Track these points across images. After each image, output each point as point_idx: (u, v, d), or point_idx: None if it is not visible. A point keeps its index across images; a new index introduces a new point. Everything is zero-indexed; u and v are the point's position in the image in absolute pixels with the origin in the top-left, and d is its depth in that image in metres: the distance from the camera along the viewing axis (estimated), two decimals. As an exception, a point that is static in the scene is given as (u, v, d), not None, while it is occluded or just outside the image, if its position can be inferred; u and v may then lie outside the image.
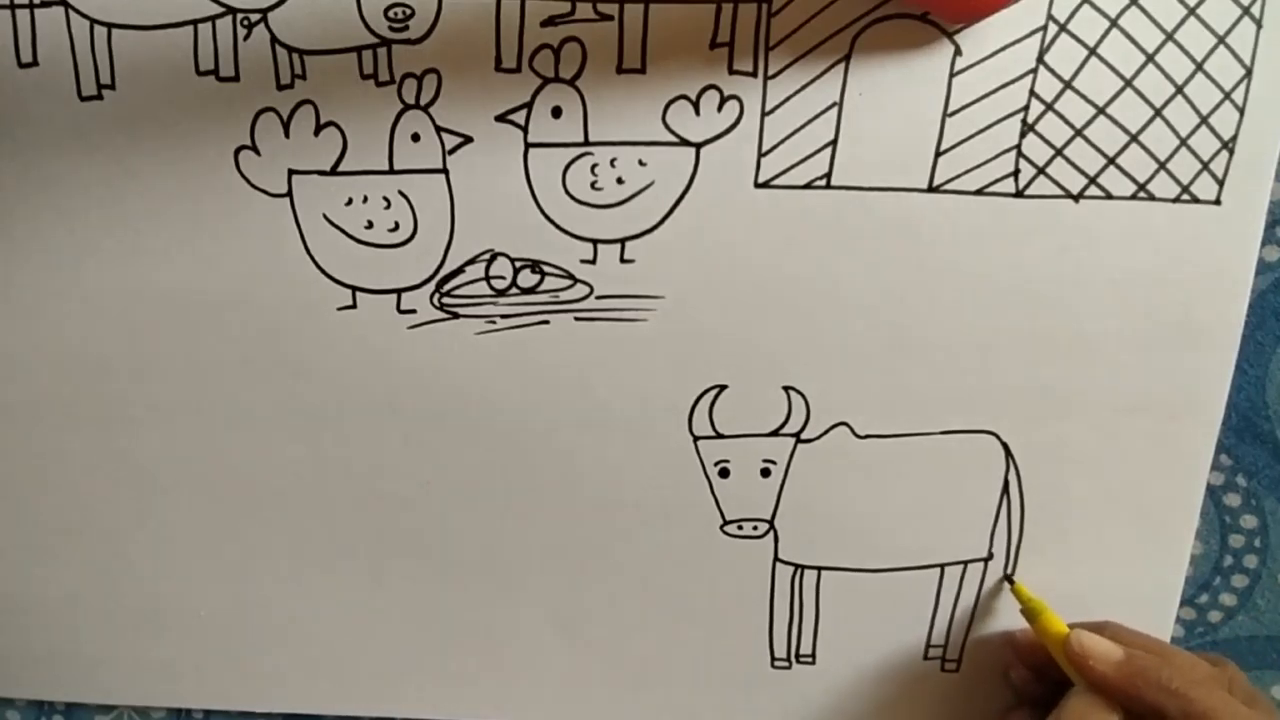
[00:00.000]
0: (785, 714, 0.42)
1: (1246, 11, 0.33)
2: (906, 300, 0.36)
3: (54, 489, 0.41)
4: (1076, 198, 0.35)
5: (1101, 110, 0.34)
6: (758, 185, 0.35)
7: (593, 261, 0.36)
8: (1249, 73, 0.33)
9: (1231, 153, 0.34)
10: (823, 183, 0.35)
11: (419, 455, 0.39)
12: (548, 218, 0.36)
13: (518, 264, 0.37)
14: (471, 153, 0.35)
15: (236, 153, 0.36)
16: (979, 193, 0.35)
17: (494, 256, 0.37)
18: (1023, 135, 0.34)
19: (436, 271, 0.37)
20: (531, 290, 0.37)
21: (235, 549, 0.41)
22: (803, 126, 0.34)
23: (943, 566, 0.39)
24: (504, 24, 0.34)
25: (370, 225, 0.36)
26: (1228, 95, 0.33)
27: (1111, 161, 0.34)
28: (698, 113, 0.34)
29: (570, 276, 0.37)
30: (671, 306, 0.37)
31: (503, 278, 0.37)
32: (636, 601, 0.41)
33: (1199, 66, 0.33)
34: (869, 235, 0.36)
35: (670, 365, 0.37)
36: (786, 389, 0.38)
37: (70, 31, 0.35)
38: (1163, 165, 0.34)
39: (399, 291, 0.37)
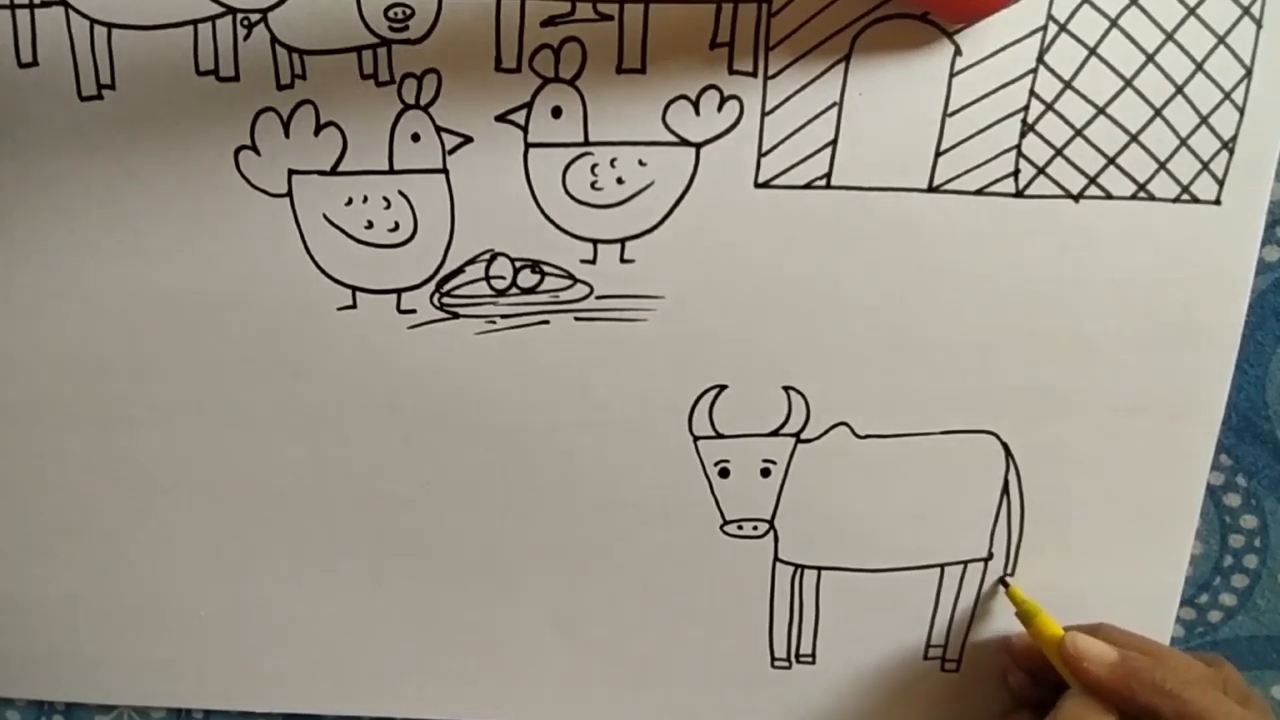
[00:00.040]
0: (785, 714, 0.42)
1: (1246, 11, 0.33)
2: (906, 300, 0.36)
3: (54, 489, 0.41)
4: (1076, 198, 0.35)
5: (1101, 110, 0.34)
6: (758, 185, 0.35)
7: (593, 261, 0.36)
8: (1249, 73, 0.33)
9: (1231, 153, 0.34)
10: (823, 183, 0.35)
11: (419, 455, 0.39)
12: (548, 218, 0.36)
13: (518, 264, 0.37)
14: (471, 153, 0.35)
15: (236, 153, 0.36)
16: (979, 193, 0.35)
17: (494, 256, 0.37)
18: (1023, 135, 0.34)
19: (436, 271, 0.37)
20: (531, 290, 0.37)
21: (235, 549, 0.41)
22: (803, 126, 0.34)
23: (943, 566, 0.39)
24: (504, 24, 0.34)
25: (370, 225, 0.36)
26: (1228, 95, 0.33)
27: (1111, 161, 0.34)
28: (698, 113, 0.34)
29: (570, 276, 0.37)
30: (671, 306, 0.37)
31: (503, 278, 0.37)
32: (636, 601, 0.41)
33: (1199, 66, 0.33)
34: (869, 235, 0.36)
35: (670, 365, 0.37)
36: (786, 389, 0.38)
37: (70, 31, 0.35)
38: (1163, 165, 0.34)
39: (399, 291, 0.37)
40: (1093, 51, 0.33)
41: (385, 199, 0.36)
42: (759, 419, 0.38)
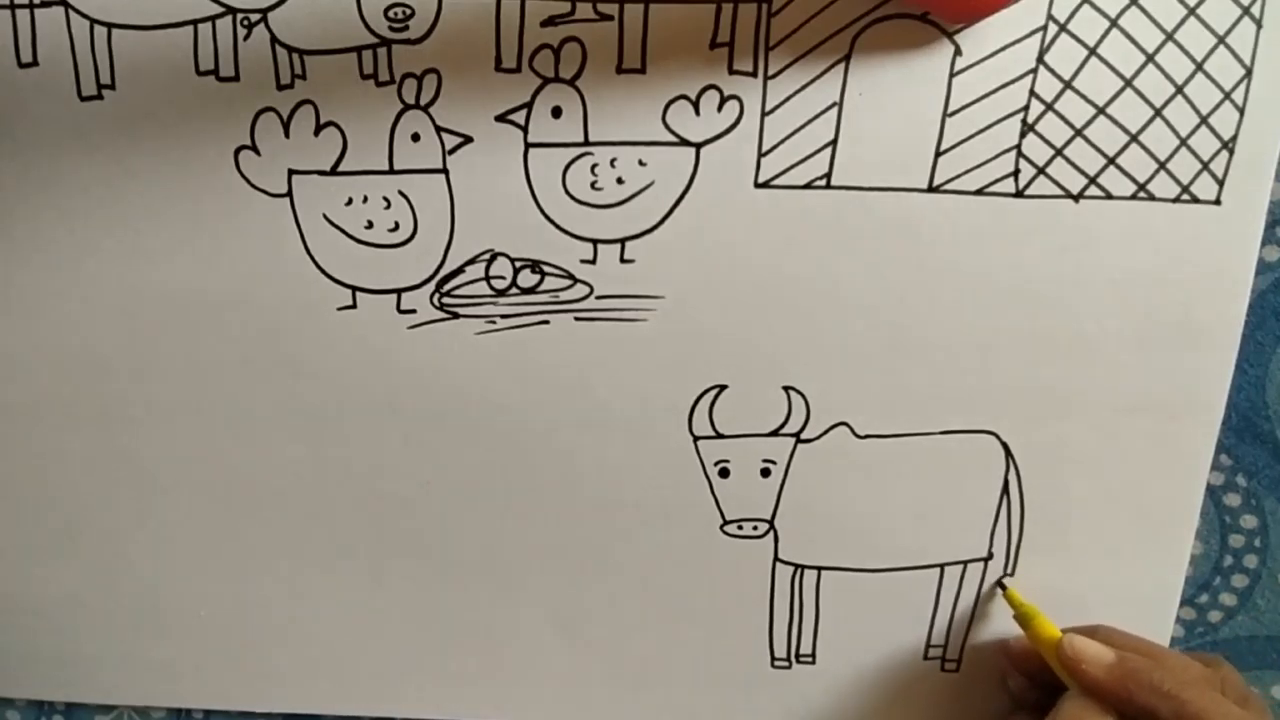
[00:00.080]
0: (785, 714, 0.42)
1: (1246, 11, 0.33)
2: (906, 300, 0.36)
3: (54, 489, 0.41)
4: (1076, 198, 0.35)
5: (1101, 110, 0.34)
6: (758, 185, 0.35)
7: (593, 261, 0.36)
8: (1249, 73, 0.33)
9: (1231, 153, 0.34)
10: (823, 183, 0.35)
11: (419, 455, 0.39)
12: (548, 218, 0.36)
13: (518, 264, 0.37)
14: (471, 153, 0.35)
15: (236, 153, 0.36)
16: (979, 193, 0.35)
17: (494, 256, 0.37)
18: (1023, 135, 0.34)
19: (436, 271, 0.37)
20: (531, 290, 0.37)
21: (235, 549, 0.41)
22: (803, 126, 0.34)
23: (942, 566, 0.39)
24: (504, 24, 0.34)
25: (370, 225, 0.36)
26: (1228, 95, 0.33)
27: (1111, 161, 0.34)
28: (698, 113, 0.34)
29: (570, 276, 0.37)
30: (671, 306, 0.37)
31: (503, 278, 0.37)
32: (636, 601, 0.41)
33: (1199, 66, 0.33)
34: (869, 235, 0.36)
35: (670, 365, 0.37)
36: (786, 389, 0.38)
37: (70, 31, 0.35)
38: (1163, 165, 0.34)
39: (399, 291, 0.37)
40: (1093, 51, 0.33)
41: (385, 199, 0.36)
42: (759, 419, 0.38)
